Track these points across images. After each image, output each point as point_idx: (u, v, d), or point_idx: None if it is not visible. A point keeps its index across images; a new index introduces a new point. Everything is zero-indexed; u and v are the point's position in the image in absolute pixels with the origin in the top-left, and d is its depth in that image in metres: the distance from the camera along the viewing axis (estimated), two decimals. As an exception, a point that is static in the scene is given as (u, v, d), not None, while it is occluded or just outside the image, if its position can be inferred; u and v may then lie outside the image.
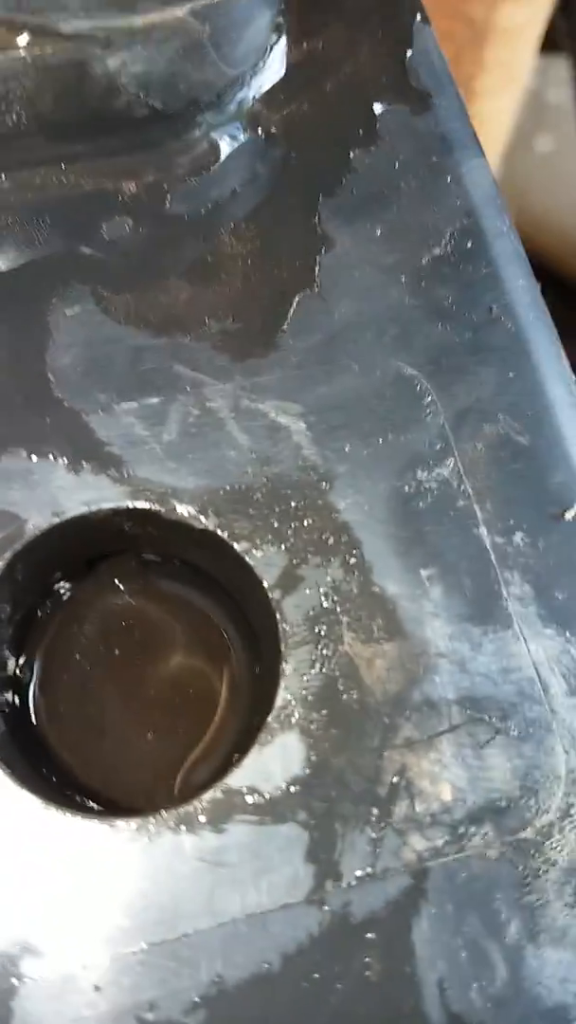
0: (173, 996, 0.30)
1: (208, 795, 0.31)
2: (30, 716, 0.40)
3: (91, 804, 0.38)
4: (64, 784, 0.39)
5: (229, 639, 0.42)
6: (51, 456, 0.35)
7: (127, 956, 0.30)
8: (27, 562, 0.35)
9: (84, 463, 0.35)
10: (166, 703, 0.41)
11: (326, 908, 0.31)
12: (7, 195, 0.38)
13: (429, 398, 0.36)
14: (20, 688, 0.41)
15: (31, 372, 0.36)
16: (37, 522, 0.34)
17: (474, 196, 0.40)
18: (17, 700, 0.40)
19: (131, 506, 0.35)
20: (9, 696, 0.39)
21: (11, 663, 0.40)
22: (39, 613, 0.42)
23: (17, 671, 0.40)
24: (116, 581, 0.43)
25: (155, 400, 0.35)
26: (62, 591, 0.42)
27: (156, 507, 0.35)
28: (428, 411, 0.36)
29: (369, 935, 0.31)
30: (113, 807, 0.39)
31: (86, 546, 0.38)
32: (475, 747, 0.33)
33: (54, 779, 0.39)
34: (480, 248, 0.39)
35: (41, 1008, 0.29)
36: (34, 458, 0.35)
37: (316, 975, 0.30)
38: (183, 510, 0.35)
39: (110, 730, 0.41)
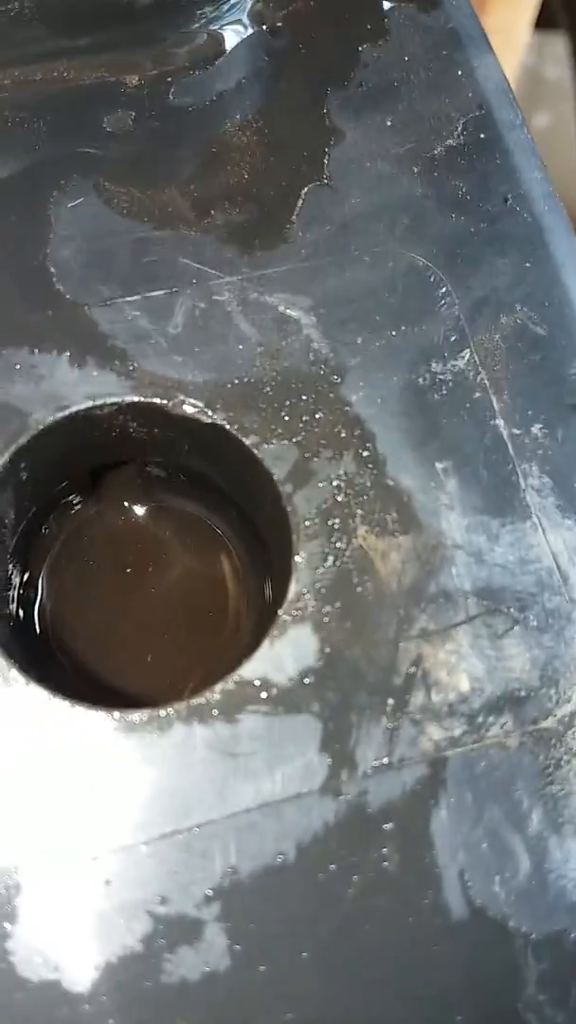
0: (184, 889, 0.29)
1: (220, 686, 0.30)
2: (35, 629, 0.39)
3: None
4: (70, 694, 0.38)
5: (237, 553, 0.41)
6: (54, 351, 0.34)
7: (137, 848, 0.29)
8: (31, 460, 0.34)
9: (88, 357, 0.34)
10: (172, 616, 0.40)
11: (341, 797, 0.30)
12: (7, 90, 0.37)
13: (443, 289, 0.35)
14: (26, 603, 0.40)
15: (32, 266, 0.35)
16: (41, 416, 0.33)
17: (486, 89, 0.39)
18: (23, 614, 0.39)
19: (136, 400, 0.34)
20: (14, 609, 0.38)
21: (16, 578, 0.39)
22: (44, 529, 0.41)
23: (21, 588, 0.40)
24: (121, 497, 0.42)
25: (160, 293, 0.34)
26: (67, 506, 0.42)
27: (163, 401, 0.34)
28: (442, 302, 0.35)
29: (386, 825, 0.30)
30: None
31: (90, 450, 0.37)
32: (493, 638, 0.32)
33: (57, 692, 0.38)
34: (493, 139, 0.38)
35: (49, 904, 0.29)
36: (36, 352, 0.34)
37: (332, 866, 0.30)
38: (190, 404, 0.34)
39: (117, 644, 0.40)
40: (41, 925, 0.28)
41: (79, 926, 0.28)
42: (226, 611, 0.41)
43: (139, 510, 0.42)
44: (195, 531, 0.42)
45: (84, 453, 0.37)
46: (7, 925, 0.28)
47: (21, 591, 0.40)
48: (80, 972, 0.28)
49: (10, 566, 0.38)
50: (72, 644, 0.40)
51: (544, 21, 1.06)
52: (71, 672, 0.39)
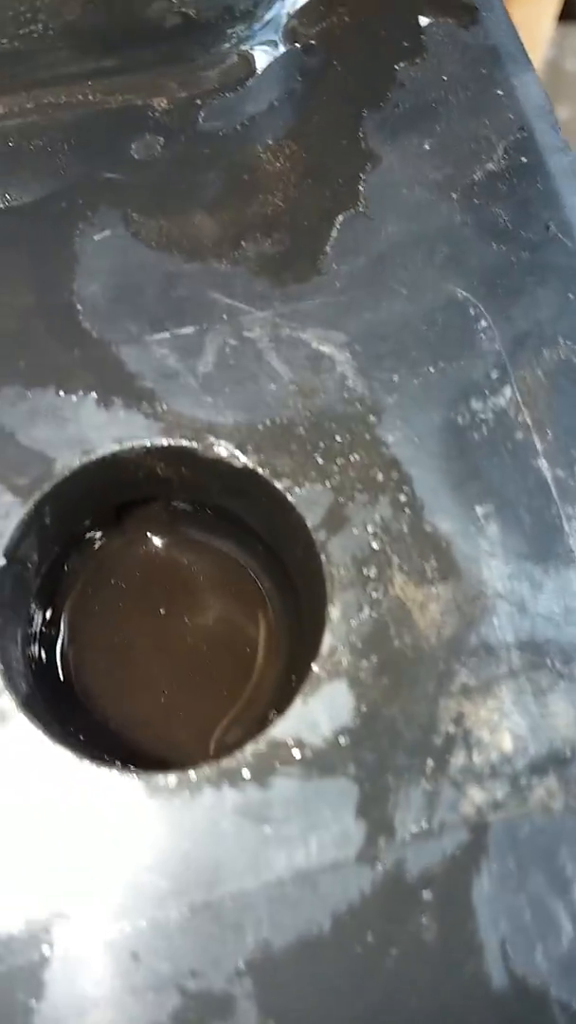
0: (216, 963, 0.28)
1: (251, 747, 0.29)
2: (57, 672, 0.38)
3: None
4: (93, 743, 0.37)
5: (265, 591, 0.40)
6: (80, 391, 0.32)
7: (167, 920, 0.28)
8: (56, 506, 0.33)
9: (115, 398, 0.32)
10: (200, 657, 0.39)
11: (379, 866, 0.29)
12: (31, 115, 0.36)
13: (484, 323, 0.33)
14: (48, 643, 0.39)
15: (57, 302, 0.33)
16: (66, 461, 0.32)
17: (527, 109, 0.37)
18: (44, 655, 0.38)
19: (165, 443, 0.32)
20: (36, 650, 0.37)
21: (38, 617, 0.38)
22: (66, 566, 0.40)
23: (44, 627, 0.39)
24: (147, 532, 0.41)
25: (189, 330, 0.33)
26: (91, 542, 0.40)
27: (192, 444, 0.32)
28: (483, 337, 0.33)
29: (425, 894, 0.29)
30: (146, 768, 0.37)
31: (116, 490, 0.36)
32: (537, 694, 0.30)
33: (82, 738, 0.37)
34: (535, 163, 0.36)
35: (74, 979, 0.28)
36: (62, 393, 0.32)
37: (369, 938, 0.28)
38: (221, 447, 0.32)
39: (141, 686, 0.39)
40: (67, 1001, 0.27)
41: (106, 1002, 0.27)
42: (254, 650, 0.40)
43: (164, 544, 0.41)
44: (222, 566, 0.41)
45: (109, 493, 0.36)
46: (32, 1001, 0.27)
47: (43, 629, 0.39)
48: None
49: (32, 605, 0.37)
50: (95, 685, 0.39)
51: (564, 14, 1.05)
52: (93, 714, 0.38)
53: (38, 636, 0.38)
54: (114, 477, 0.34)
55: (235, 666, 0.39)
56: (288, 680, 0.36)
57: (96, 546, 0.40)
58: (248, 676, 0.39)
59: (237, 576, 0.40)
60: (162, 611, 0.40)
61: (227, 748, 0.37)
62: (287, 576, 0.37)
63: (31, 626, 0.37)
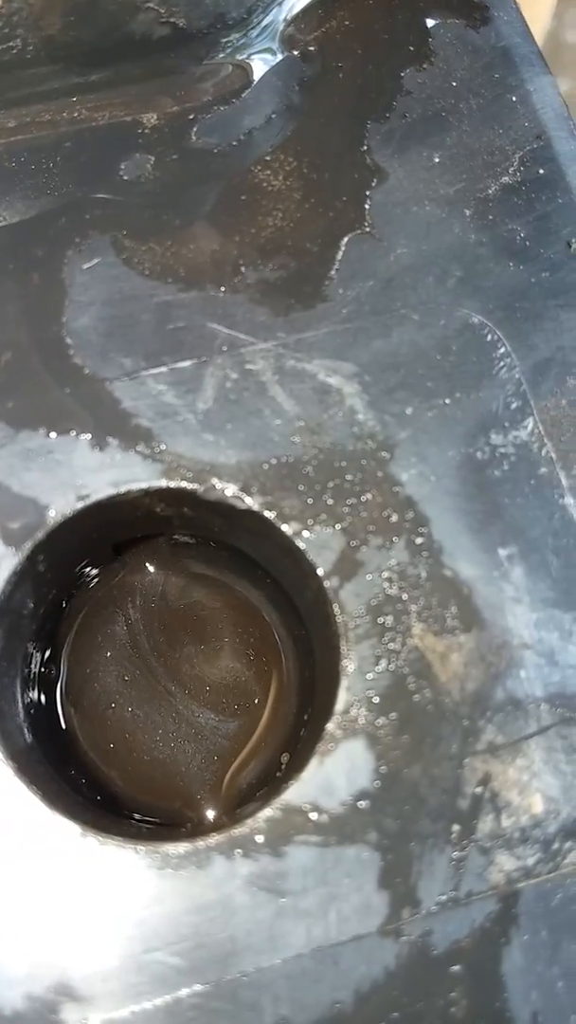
0: (233, 1044, 0.26)
1: (264, 813, 0.27)
2: (58, 717, 0.37)
3: (127, 813, 0.35)
4: (97, 791, 0.35)
5: (275, 628, 0.38)
6: (72, 432, 0.31)
7: (179, 1000, 0.26)
8: (50, 552, 0.31)
9: (110, 438, 0.30)
10: (206, 698, 0.37)
11: (404, 939, 0.27)
12: (12, 134, 0.34)
13: (502, 349, 0.31)
14: (47, 686, 0.37)
15: (46, 336, 0.31)
16: (60, 507, 0.30)
17: (544, 117, 0.35)
18: (44, 699, 0.36)
19: (164, 486, 0.30)
20: (35, 695, 0.35)
21: (36, 659, 0.36)
22: (64, 604, 0.38)
23: (42, 669, 0.37)
24: (147, 566, 0.39)
25: (187, 363, 0.31)
26: (88, 579, 0.38)
27: (192, 486, 0.30)
28: (501, 365, 0.31)
29: (454, 968, 0.27)
30: (151, 815, 0.35)
31: (114, 530, 0.34)
32: (569, 751, 0.29)
33: (84, 783, 0.35)
34: (554, 175, 0.34)
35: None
36: (53, 435, 0.30)
37: (395, 1014, 0.27)
38: (223, 489, 0.30)
39: (145, 730, 0.37)
40: None
41: None
42: (264, 689, 0.38)
43: (165, 577, 0.39)
44: (226, 600, 0.39)
45: (107, 534, 0.34)
46: None
47: (42, 671, 0.37)
48: None
49: (29, 648, 0.35)
50: (97, 729, 0.37)
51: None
52: (96, 759, 0.37)
53: (36, 679, 0.36)
54: (111, 519, 0.32)
55: (243, 706, 0.37)
56: (299, 720, 0.34)
57: (94, 583, 0.39)
58: (258, 716, 0.37)
59: (244, 612, 0.38)
60: (165, 649, 0.38)
61: (238, 790, 0.36)
62: (295, 611, 0.35)
63: (29, 669, 0.35)
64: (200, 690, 0.38)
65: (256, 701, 0.37)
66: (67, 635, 0.38)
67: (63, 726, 0.36)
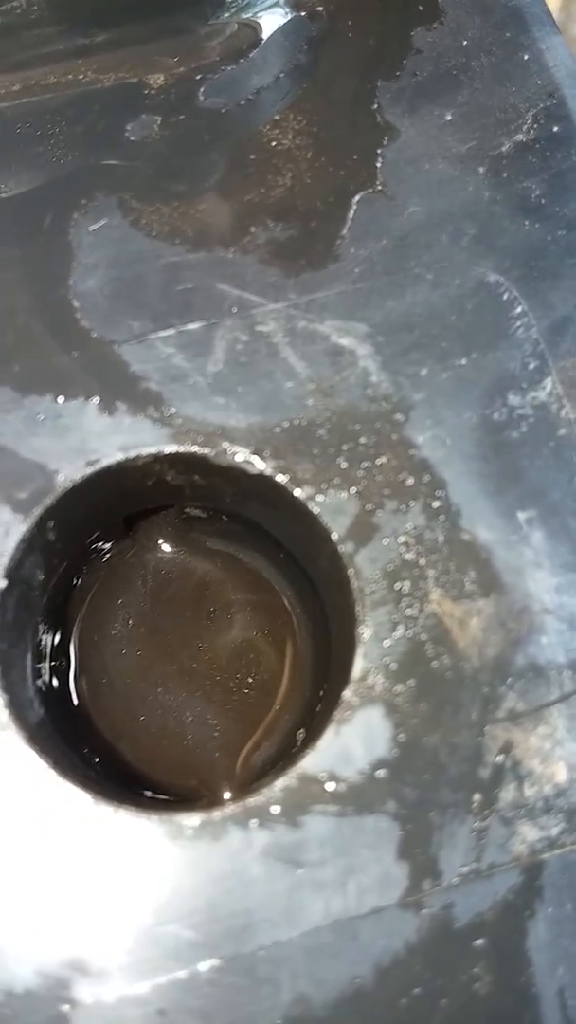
0: (250, 1020, 0.25)
1: (280, 783, 0.27)
2: (70, 695, 0.36)
3: (142, 792, 0.34)
4: (110, 770, 0.34)
5: (289, 603, 0.37)
6: (80, 397, 0.30)
7: (195, 975, 0.26)
8: (59, 520, 0.30)
9: (118, 403, 0.30)
10: (220, 675, 0.37)
11: (424, 911, 0.26)
12: (17, 97, 0.33)
13: (519, 308, 0.31)
14: (59, 665, 0.36)
15: (52, 300, 0.31)
16: (69, 473, 0.29)
17: (557, 74, 0.34)
18: (56, 679, 0.35)
19: (175, 451, 0.29)
20: (47, 675, 0.35)
21: (47, 637, 0.35)
22: (75, 581, 0.38)
23: (54, 647, 0.36)
24: (159, 541, 0.38)
25: (197, 325, 0.30)
26: (100, 554, 0.38)
27: (203, 450, 0.30)
28: (518, 324, 0.30)
29: (477, 942, 0.26)
30: (165, 793, 0.35)
31: (124, 500, 0.33)
32: (592, 718, 0.28)
33: (97, 761, 0.34)
34: (568, 132, 0.33)
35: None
36: (61, 399, 0.30)
37: (416, 990, 0.26)
38: (234, 453, 0.29)
39: (158, 707, 0.36)
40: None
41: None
42: (280, 666, 0.37)
43: (178, 553, 0.38)
44: (240, 576, 0.38)
45: (117, 503, 0.33)
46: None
47: (53, 650, 0.36)
48: None
49: (40, 625, 0.35)
50: (110, 707, 0.36)
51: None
52: (109, 737, 0.36)
53: (48, 657, 0.35)
54: (121, 487, 0.31)
55: (258, 681, 0.37)
56: (316, 696, 0.34)
57: (106, 558, 0.38)
58: (273, 692, 0.36)
59: (257, 586, 0.38)
60: (179, 625, 0.37)
61: (253, 767, 0.35)
62: (311, 584, 0.34)
63: (40, 648, 0.35)
64: (214, 667, 0.37)
65: (271, 677, 0.36)
66: (79, 611, 0.37)
67: (75, 703, 0.35)
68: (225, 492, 0.33)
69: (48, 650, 0.35)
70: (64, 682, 0.36)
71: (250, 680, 0.36)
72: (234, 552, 0.38)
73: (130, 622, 0.37)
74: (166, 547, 0.38)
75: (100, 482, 0.30)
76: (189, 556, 0.38)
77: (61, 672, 0.36)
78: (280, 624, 0.37)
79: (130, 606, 0.37)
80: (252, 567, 0.38)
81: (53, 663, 0.36)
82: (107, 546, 0.38)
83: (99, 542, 0.37)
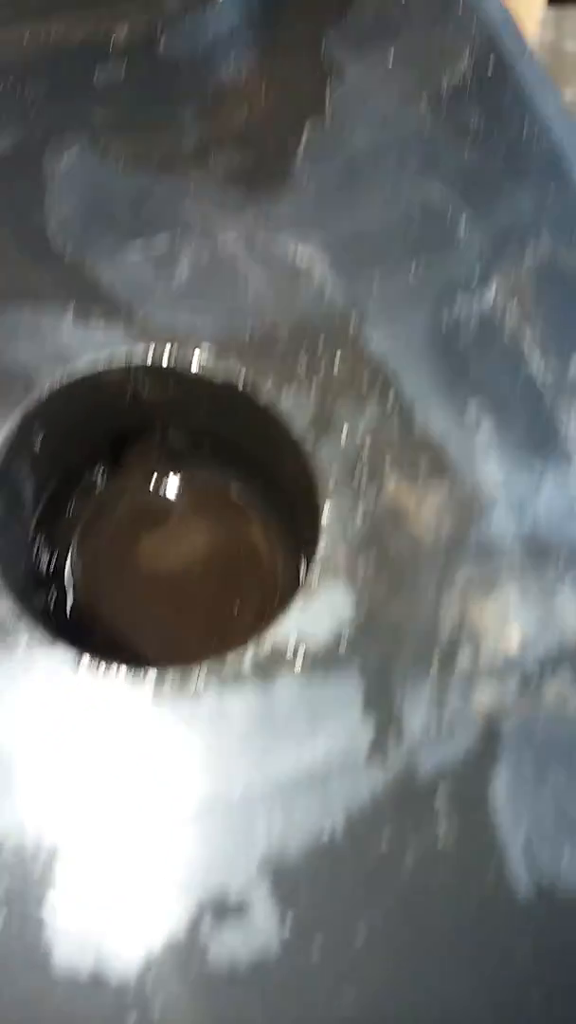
0: (229, 868, 0.26)
1: (251, 649, 0.28)
2: (64, 613, 0.37)
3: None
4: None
5: (267, 522, 0.39)
6: (56, 308, 0.32)
7: (175, 828, 0.27)
8: (42, 426, 0.32)
9: (92, 312, 0.31)
10: (207, 590, 0.38)
11: (389, 766, 0.27)
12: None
13: (463, 220, 0.33)
14: (52, 593, 0.37)
15: (29, 223, 0.33)
16: (47, 375, 0.31)
17: (490, 19, 0.37)
18: (51, 603, 0.37)
19: (148, 349, 0.31)
20: (43, 596, 0.36)
21: (42, 563, 0.37)
22: (68, 509, 0.39)
23: (47, 575, 0.37)
24: (143, 470, 0.40)
25: (162, 241, 0.32)
26: (89, 484, 0.39)
27: (170, 350, 0.31)
28: (464, 232, 0.33)
29: (441, 797, 0.27)
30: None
31: (105, 417, 0.35)
32: (543, 591, 0.29)
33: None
34: (503, 70, 0.36)
35: (81, 894, 0.26)
36: (38, 311, 0.31)
37: (383, 842, 0.27)
38: (201, 353, 0.31)
39: (151, 622, 0.37)
40: (77, 914, 0.26)
41: (117, 910, 0.26)
42: (260, 580, 0.38)
43: (163, 482, 0.40)
44: (222, 501, 0.40)
45: (98, 420, 0.35)
46: (43, 914, 0.25)
47: (49, 572, 0.37)
48: (121, 959, 0.25)
49: (36, 548, 0.36)
50: (104, 624, 0.37)
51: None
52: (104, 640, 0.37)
53: (47, 576, 0.37)
54: (99, 400, 0.33)
55: (242, 594, 0.38)
56: (287, 578, 0.35)
57: (95, 488, 0.39)
58: (255, 603, 0.38)
59: (238, 508, 0.39)
60: (166, 545, 0.38)
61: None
62: (289, 504, 0.36)
63: (36, 570, 0.36)
64: (199, 582, 0.38)
65: (252, 588, 0.38)
66: (71, 539, 0.39)
67: (68, 616, 0.37)
68: (199, 408, 0.34)
69: (43, 576, 0.37)
70: (61, 602, 0.37)
71: (231, 592, 0.38)
72: (215, 478, 0.40)
73: (119, 542, 0.39)
74: (151, 474, 0.40)
75: (78, 390, 0.32)
76: (173, 482, 0.40)
77: (57, 599, 0.37)
78: (259, 539, 0.38)
79: (118, 528, 0.39)
80: (232, 490, 0.39)
81: (46, 590, 0.37)
82: (95, 475, 0.39)
83: (87, 470, 0.39)
